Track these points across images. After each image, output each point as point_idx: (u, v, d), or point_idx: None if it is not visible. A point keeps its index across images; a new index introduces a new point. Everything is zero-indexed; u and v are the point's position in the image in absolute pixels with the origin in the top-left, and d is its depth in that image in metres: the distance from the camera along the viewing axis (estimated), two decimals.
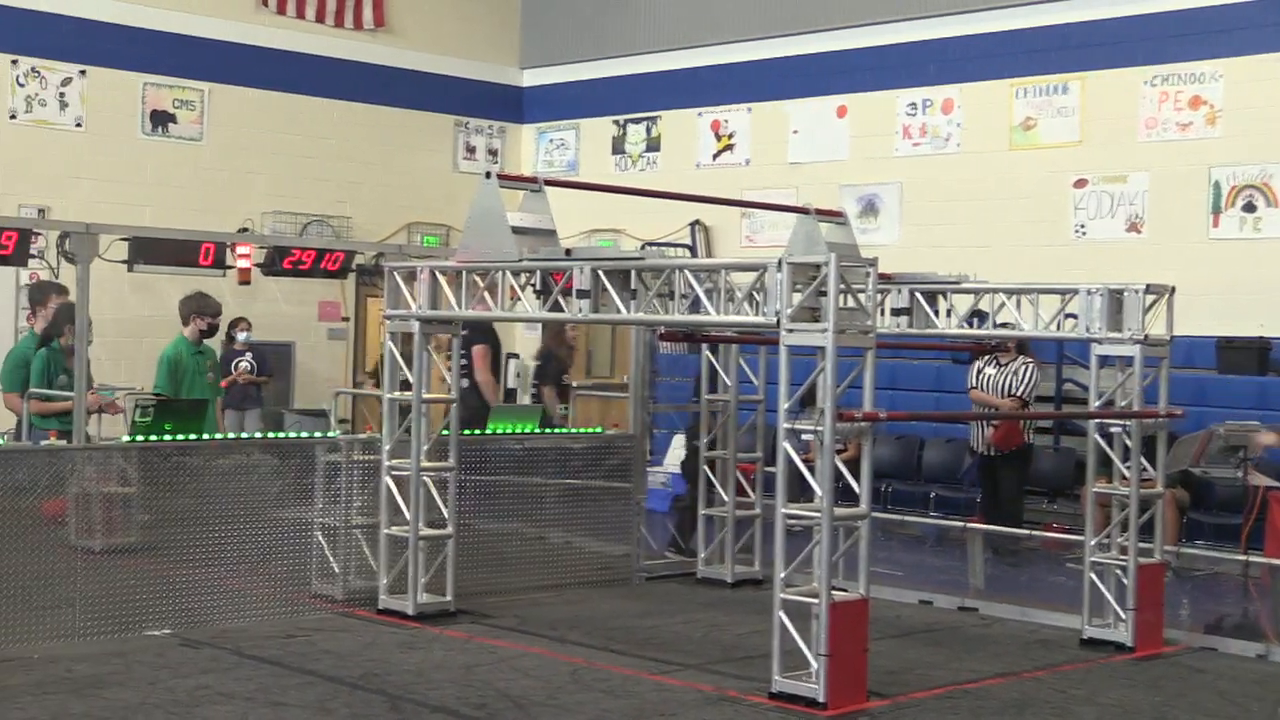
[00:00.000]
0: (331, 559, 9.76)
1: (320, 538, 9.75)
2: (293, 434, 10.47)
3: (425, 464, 9.54)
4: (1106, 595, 9.26)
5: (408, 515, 9.47)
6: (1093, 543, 9.34)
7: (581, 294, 8.34)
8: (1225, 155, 14.69)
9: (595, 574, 10.98)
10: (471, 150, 20.59)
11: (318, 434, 10.17)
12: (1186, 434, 12.20)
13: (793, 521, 7.54)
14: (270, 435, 11.00)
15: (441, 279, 9.38)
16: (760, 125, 18.43)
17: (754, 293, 7.77)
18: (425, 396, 9.56)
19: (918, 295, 9.82)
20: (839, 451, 7.49)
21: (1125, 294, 9.13)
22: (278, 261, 10.28)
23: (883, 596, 9.93)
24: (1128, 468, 9.20)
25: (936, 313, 9.87)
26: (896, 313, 9.85)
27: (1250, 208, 14.57)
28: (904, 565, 11.91)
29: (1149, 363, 9.20)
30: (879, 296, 8.52)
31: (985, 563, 11.41)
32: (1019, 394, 12.99)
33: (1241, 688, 8.38)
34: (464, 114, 20.50)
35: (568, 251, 8.68)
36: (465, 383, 12.43)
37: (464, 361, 12.53)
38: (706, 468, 11.25)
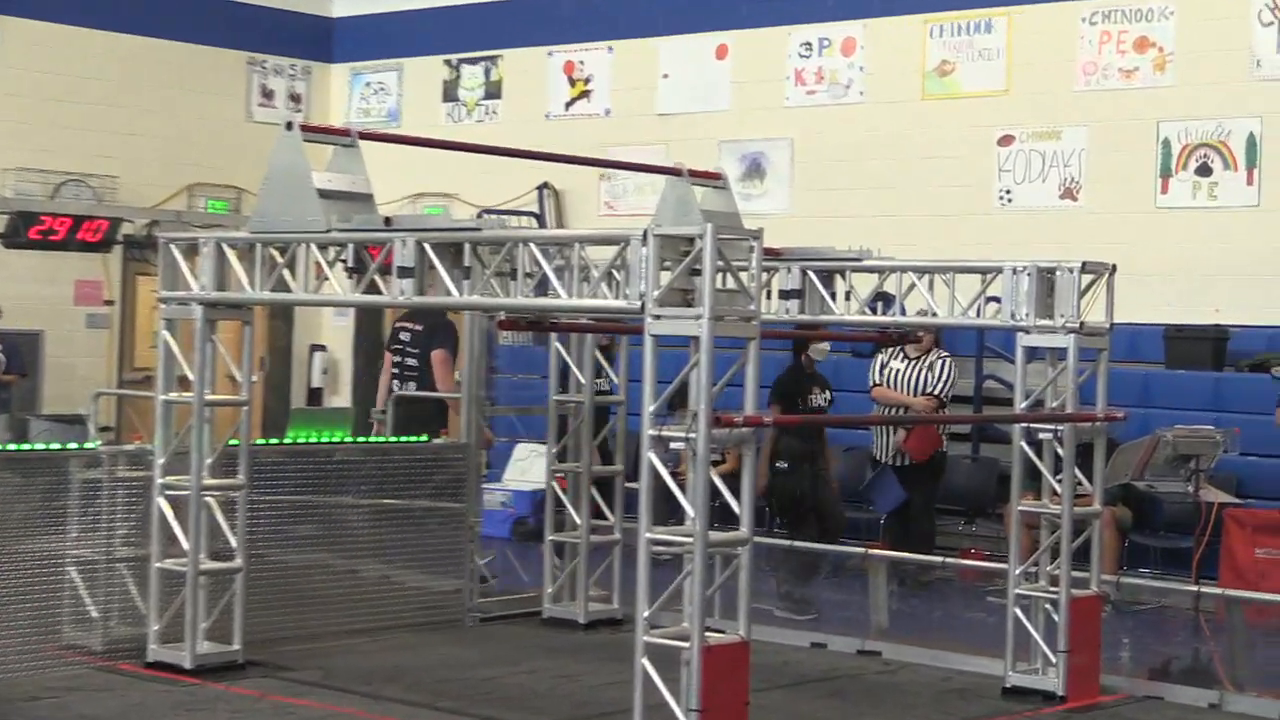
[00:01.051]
0: (88, 600, 9.59)
1: (74, 574, 9.57)
2: (40, 445, 10.28)
3: (208, 481, 9.43)
4: (1034, 634, 9.40)
5: (185, 545, 9.35)
6: (1018, 571, 9.48)
7: (404, 272, 8.29)
8: (1176, 108, 14.99)
9: (419, 614, 10.95)
10: (269, 95, 20.41)
11: (72, 445, 9.99)
12: (1129, 441, 12.46)
13: (659, 549, 7.55)
14: (12, 447, 10.78)
15: (230, 253, 9.28)
16: (623, 68, 18.47)
17: (614, 271, 7.77)
18: (209, 398, 9.45)
19: (811, 275, 9.91)
20: (715, 464, 7.51)
21: (1058, 273, 9.27)
22: (23, 231, 10.14)
23: (768, 639, 10.01)
24: (1059, 481, 9.35)
25: (834, 295, 9.97)
26: (786, 295, 9.92)
27: (1205, 170, 14.86)
28: (794, 601, 12.00)
29: (1085, 355, 9.35)
30: (765, 276, 8.58)
31: (890, 597, 11.54)
32: (935, 393, 13.14)
33: None
34: (260, 50, 20.30)
35: (387, 220, 8.66)
36: (413, 386, 12.35)
37: (413, 362, 12.44)
38: (555, 484, 11.26)
